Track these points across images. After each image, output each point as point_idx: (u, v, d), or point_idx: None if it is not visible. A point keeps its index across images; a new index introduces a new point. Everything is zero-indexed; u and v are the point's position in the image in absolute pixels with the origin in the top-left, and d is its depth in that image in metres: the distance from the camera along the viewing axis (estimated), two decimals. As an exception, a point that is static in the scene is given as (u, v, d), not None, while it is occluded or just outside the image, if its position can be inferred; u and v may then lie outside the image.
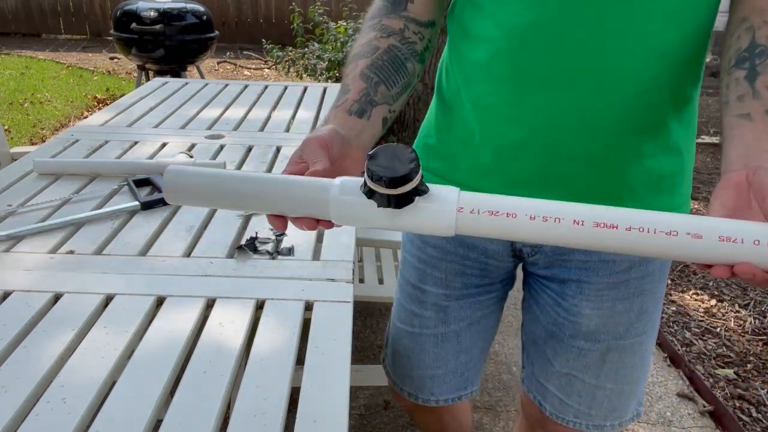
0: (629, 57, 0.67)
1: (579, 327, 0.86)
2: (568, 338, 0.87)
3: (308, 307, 0.89)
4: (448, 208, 0.50)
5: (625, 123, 0.71)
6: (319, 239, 1.09)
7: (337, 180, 0.53)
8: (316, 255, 1.03)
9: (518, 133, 0.75)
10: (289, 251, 1.03)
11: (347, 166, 0.61)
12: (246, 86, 2.18)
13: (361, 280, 1.69)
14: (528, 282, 0.95)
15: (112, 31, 3.89)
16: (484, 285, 0.93)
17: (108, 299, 0.88)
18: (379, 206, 0.51)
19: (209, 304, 0.88)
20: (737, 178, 0.51)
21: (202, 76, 4.54)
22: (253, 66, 6.49)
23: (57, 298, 0.88)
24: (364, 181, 0.51)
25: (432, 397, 0.99)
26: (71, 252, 1.00)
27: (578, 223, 0.48)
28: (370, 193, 0.51)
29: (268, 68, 6.37)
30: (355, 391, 1.80)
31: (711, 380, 1.95)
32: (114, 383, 0.72)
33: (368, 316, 2.16)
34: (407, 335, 0.98)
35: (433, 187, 0.52)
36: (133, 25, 3.71)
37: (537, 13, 0.67)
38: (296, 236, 1.08)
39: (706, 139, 4.44)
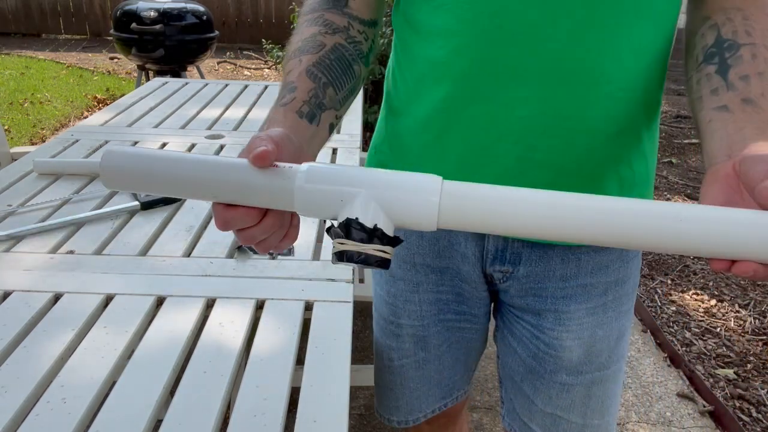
0: (603, 51, 0.63)
1: (561, 361, 0.82)
2: (549, 373, 0.83)
3: (308, 307, 0.89)
4: (429, 214, 0.47)
5: (602, 126, 0.67)
6: (319, 239, 1.09)
7: (304, 165, 0.47)
8: (316, 255, 1.03)
9: (485, 138, 0.68)
10: (289, 251, 1.03)
11: None
12: (246, 86, 2.18)
13: (361, 280, 1.69)
14: (501, 311, 0.90)
15: (112, 31, 3.89)
16: (462, 314, 0.88)
17: (108, 299, 0.88)
18: None
19: (209, 304, 0.89)
20: (724, 170, 0.49)
21: (202, 76, 4.54)
22: (253, 66, 6.49)
23: (57, 298, 0.88)
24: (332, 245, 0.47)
25: (421, 414, 0.96)
26: (71, 252, 1.00)
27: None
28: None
29: (268, 68, 6.37)
30: (355, 391, 1.80)
31: (711, 380, 1.95)
32: (114, 383, 0.72)
33: (368, 316, 2.16)
34: (387, 369, 0.95)
35: (412, 181, 0.47)
36: (133, 25, 3.72)
37: (502, 2, 0.62)
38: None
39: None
